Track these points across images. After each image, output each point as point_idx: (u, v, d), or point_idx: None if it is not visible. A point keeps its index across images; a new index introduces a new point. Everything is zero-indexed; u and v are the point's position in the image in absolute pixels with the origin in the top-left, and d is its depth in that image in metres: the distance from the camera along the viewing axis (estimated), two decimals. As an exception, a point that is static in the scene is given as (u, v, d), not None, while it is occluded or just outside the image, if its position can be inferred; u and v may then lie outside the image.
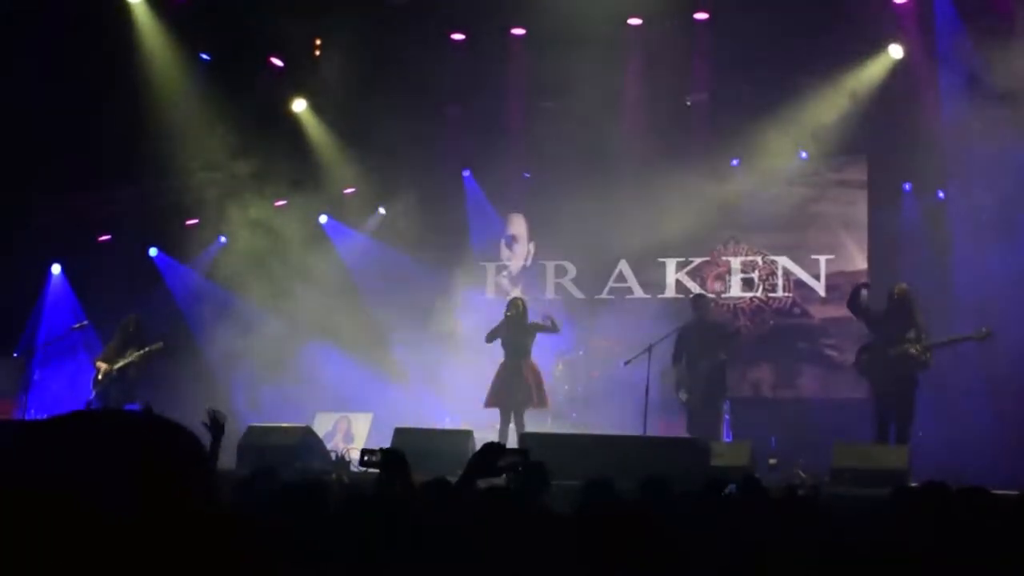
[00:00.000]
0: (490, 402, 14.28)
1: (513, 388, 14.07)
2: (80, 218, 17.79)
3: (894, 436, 12.60)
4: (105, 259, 17.87)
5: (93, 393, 14.47)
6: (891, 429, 12.66)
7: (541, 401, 14.33)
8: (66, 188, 17.44)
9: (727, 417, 15.19)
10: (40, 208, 17.49)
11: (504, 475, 5.27)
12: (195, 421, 15.94)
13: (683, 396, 13.99)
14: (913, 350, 12.63)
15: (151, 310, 17.08)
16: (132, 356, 14.47)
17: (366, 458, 5.49)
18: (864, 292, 13.32)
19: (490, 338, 14.39)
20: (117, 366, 14.44)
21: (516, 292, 17.87)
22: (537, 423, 15.29)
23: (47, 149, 15.70)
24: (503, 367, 14.28)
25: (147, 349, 14.60)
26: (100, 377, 14.53)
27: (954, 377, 14.48)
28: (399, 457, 5.17)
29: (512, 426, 13.89)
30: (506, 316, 14.34)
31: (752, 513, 2.82)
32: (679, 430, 13.97)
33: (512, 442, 12.59)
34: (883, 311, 13.11)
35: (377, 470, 5.33)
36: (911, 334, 12.75)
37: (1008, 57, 14.03)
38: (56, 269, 17.98)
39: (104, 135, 16.05)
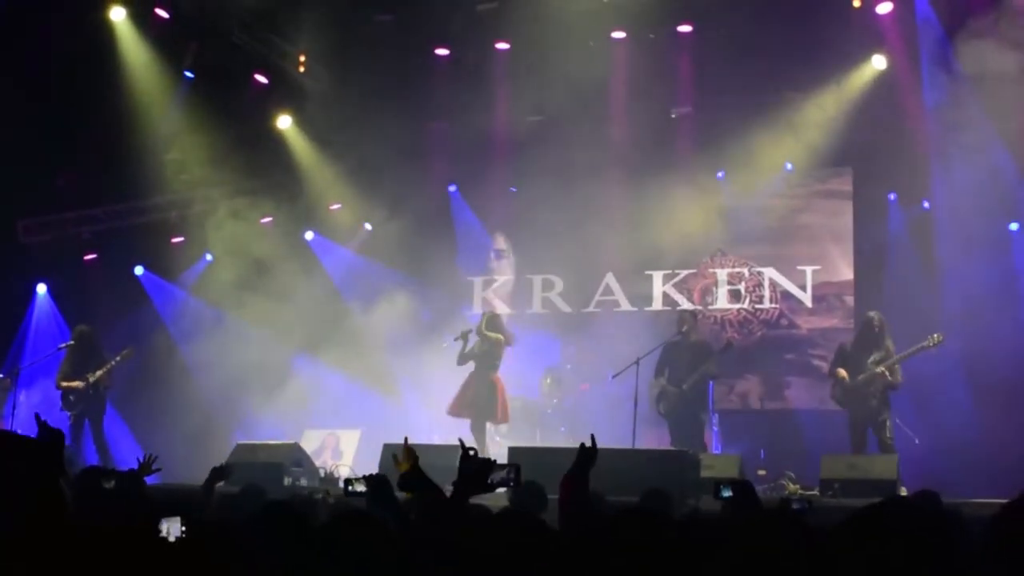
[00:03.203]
0: (455, 411, 14.44)
1: (480, 400, 14.26)
2: (65, 237, 17.74)
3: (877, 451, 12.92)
4: (91, 278, 17.82)
5: (70, 415, 14.25)
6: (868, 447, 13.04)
7: (504, 417, 14.49)
8: (51, 207, 17.40)
9: (716, 429, 15.19)
10: (25, 227, 17.44)
11: (499, 491, 5.25)
12: (177, 437, 15.81)
13: (662, 408, 14.00)
14: (879, 370, 12.96)
15: (137, 328, 17.04)
16: (106, 368, 14.31)
17: (350, 488, 5.43)
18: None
19: (462, 360, 14.60)
20: (91, 381, 14.29)
21: (503, 307, 17.89)
22: (526, 437, 15.28)
23: (31, 168, 15.65)
24: (473, 377, 14.47)
25: (119, 357, 14.45)
26: (73, 399, 14.31)
27: (939, 386, 14.52)
28: (384, 483, 5.11)
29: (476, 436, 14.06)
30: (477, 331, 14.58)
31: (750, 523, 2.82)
32: (667, 442, 13.98)
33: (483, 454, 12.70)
34: (856, 339, 13.49)
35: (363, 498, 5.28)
36: (876, 356, 13.09)
37: (990, 67, 14.07)
38: (42, 289, 17.91)
39: (88, 154, 16.01)
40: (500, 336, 14.65)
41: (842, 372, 13.39)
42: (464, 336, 14.63)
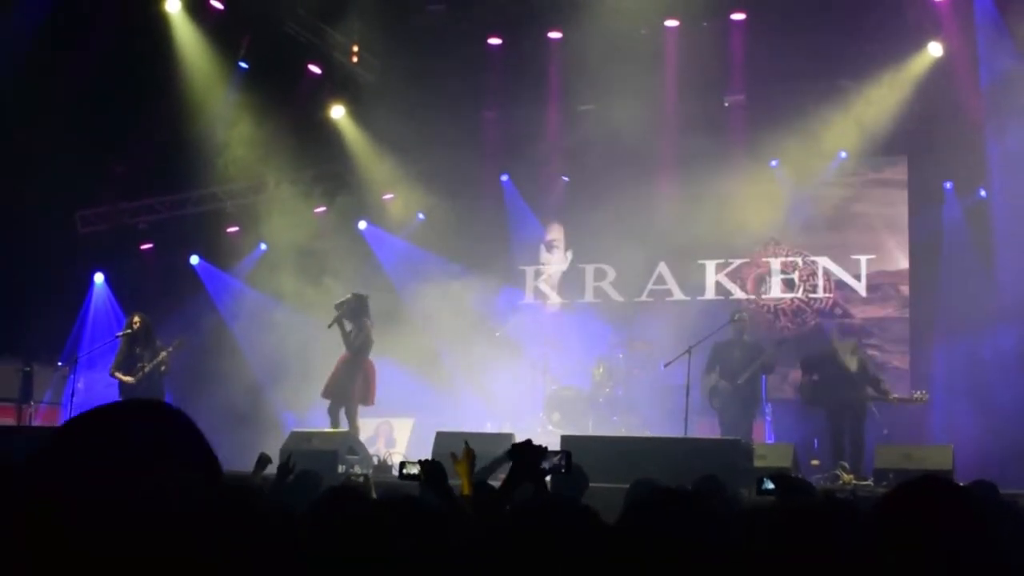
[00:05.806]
0: (328, 393, 14.31)
1: (358, 384, 14.20)
2: (122, 227, 17.95)
3: (848, 440, 13.15)
4: (147, 267, 18.02)
5: None
6: (844, 438, 13.21)
7: (372, 399, 14.42)
8: (108, 198, 17.61)
9: (769, 419, 15.12)
10: (83, 218, 17.66)
11: (547, 478, 5.25)
12: (231, 424, 15.89)
13: (716, 404, 14.00)
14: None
15: (193, 317, 17.21)
16: (159, 358, 14.36)
17: (404, 471, 5.48)
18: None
19: (350, 343, 14.43)
20: (146, 371, 14.37)
21: (555, 296, 17.89)
22: (579, 426, 15.27)
23: (89, 160, 15.83)
24: (348, 362, 14.31)
25: (171, 348, 14.51)
26: (127, 390, 14.39)
27: (995, 378, 14.37)
28: (438, 469, 5.13)
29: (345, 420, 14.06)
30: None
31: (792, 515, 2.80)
32: (718, 432, 13.95)
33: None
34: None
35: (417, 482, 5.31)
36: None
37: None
38: (99, 278, 18.14)
39: (144, 145, 16.18)
40: (368, 321, 14.54)
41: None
42: (338, 317, 14.32)
